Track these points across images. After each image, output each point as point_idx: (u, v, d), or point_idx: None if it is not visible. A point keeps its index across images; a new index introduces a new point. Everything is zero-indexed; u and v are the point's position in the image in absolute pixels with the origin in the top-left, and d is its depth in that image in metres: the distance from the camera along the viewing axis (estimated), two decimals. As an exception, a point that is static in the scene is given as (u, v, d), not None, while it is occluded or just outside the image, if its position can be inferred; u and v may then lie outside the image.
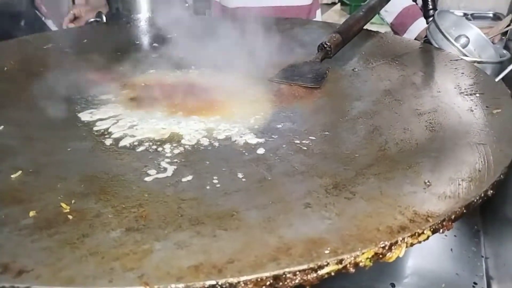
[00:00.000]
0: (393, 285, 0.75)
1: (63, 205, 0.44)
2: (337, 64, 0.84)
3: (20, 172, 0.51)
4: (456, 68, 0.76)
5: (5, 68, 0.82)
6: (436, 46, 0.92)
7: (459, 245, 0.81)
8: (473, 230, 0.84)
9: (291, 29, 1.02)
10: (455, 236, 0.83)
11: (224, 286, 0.33)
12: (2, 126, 0.62)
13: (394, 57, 0.84)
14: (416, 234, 0.37)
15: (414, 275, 0.77)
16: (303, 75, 0.77)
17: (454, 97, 0.66)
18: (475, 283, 0.74)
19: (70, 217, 0.42)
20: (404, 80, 0.75)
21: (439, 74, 0.77)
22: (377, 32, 1.00)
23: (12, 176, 0.50)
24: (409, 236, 0.37)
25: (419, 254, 0.79)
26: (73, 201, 0.45)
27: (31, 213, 0.43)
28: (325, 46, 0.83)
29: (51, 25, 1.68)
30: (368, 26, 0.97)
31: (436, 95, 0.68)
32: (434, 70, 0.80)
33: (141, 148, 0.57)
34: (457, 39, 0.92)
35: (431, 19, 0.98)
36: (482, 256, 0.79)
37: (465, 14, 1.70)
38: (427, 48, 0.89)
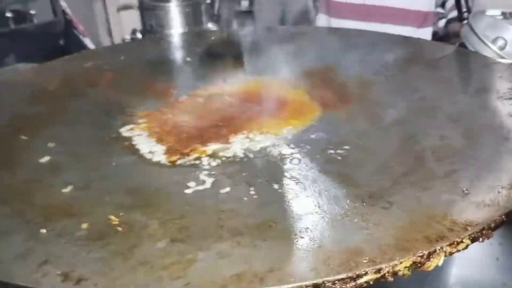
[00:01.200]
0: (436, 293, 0.74)
1: (112, 217, 0.47)
2: (369, 70, 0.84)
3: (71, 186, 0.55)
4: (493, 72, 0.75)
5: (50, 88, 0.87)
6: (472, 49, 0.90)
7: (505, 253, 0.79)
8: (521, 239, 0.81)
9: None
10: (500, 244, 0.80)
11: (265, 294, 0.34)
12: (52, 144, 0.67)
13: (428, 62, 0.83)
14: (455, 243, 0.37)
15: (458, 285, 0.75)
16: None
17: (492, 102, 0.65)
18: (522, 292, 0.72)
19: (119, 229, 0.45)
20: (439, 86, 0.74)
21: (475, 78, 0.75)
22: (411, 37, 1.00)
23: (63, 190, 0.54)
24: (447, 245, 0.37)
25: (464, 263, 0.77)
26: (121, 214, 0.48)
27: (84, 226, 0.46)
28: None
29: (89, 43, 1.77)
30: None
31: (473, 101, 0.67)
32: (470, 74, 0.78)
33: (180, 162, 0.60)
34: (494, 41, 0.90)
35: (465, 21, 0.96)
36: (530, 265, 0.76)
37: (503, 13, 1.65)
38: (463, 52, 0.88)
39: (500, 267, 0.77)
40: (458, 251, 0.37)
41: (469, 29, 0.93)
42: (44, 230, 0.45)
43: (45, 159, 0.62)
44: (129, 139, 0.68)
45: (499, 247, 0.79)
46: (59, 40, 1.68)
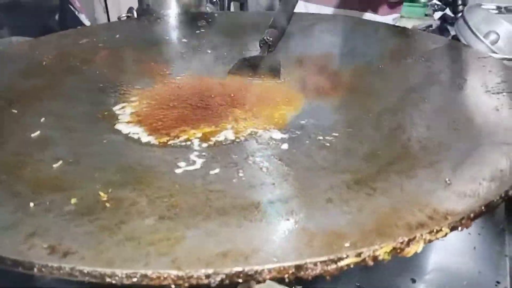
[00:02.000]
0: (413, 280, 0.76)
1: (101, 193, 0.48)
2: (362, 60, 0.85)
3: (60, 162, 0.55)
4: (484, 66, 0.76)
5: (44, 63, 0.87)
6: (465, 42, 0.91)
7: (483, 243, 0.81)
8: (498, 229, 0.84)
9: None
10: (479, 234, 0.83)
11: (250, 273, 0.35)
12: (43, 118, 0.67)
13: (421, 54, 0.84)
14: (435, 231, 0.38)
15: (435, 272, 0.77)
16: (259, 68, 0.83)
17: (480, 96, 0.66)
18: (498, 282, 0.74)
19: (107, 205, 0.46)
20: (430, 78, 0.75)
21: (466, 71, 0.76)
22: (404, 28, 1.00)
23: (53, 165, 0.54)
24: (427, 233, 0.38)
25: (442, 250, 0.79)
26: (110, 190, 0.48)
27: (73, 200, 0.46)
28: (267, 41, 0.89)
29: (84, 19, 1.74)
30: (398, 21, 0.97)
31: (461, 93, 0.68)
32: (461, 67, 0.79)
33: (171, 142, 0.60)
34: (486, 35, 0.91)
35: (459, 14, 0.96)
36: (506, 255, 0.78)
37: (498, 8, 1.65)
38: (455, 45, 0.88)
39: (477, 256, 0.79)
40: (437, 238, 0.39)
41: (462, 22, 0.93)
42: (32, 204, 0.46)
43: (36, 133, 0.62)
44: (118, 116, 0.68)
45: (477, 237, 0.82)
46: (54, 15, 1.66)
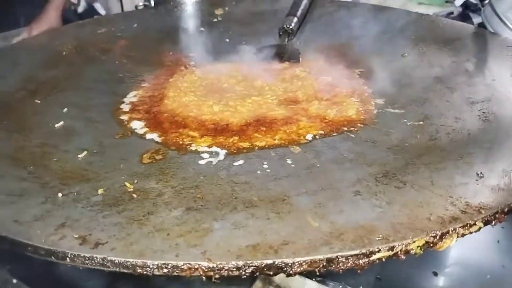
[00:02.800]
0: (435, 273, 0.75)
1: (127, 184, 0.48)
2: (386, 49, 0.83)
3: (85, 152, 0.55)
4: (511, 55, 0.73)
5: (64, 53, 0.87)
6: (492, 31, 0.88)
7: (506, 236, 0.79)
8: (522, 222, 0.82)
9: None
10: (502, 227, 0.81)
11: (280, 266, 0.35)
12: (66, 109, 0.67)
13: (446, 42, 0.82)
14: (468, 225, 0.38)
15: (457, 265, 0.76)
16: (281, 55, 0.83)
17: (509, 86, 0.64)
18: (522, 276, 0.73)
19: (134, 195, 0.46)
20: (456, 67, 0.73)
21: (494, 60, 0.74)
22: (428, 15, 0.97)
23: (79, 156, 0.55)
24: (460, 227, 0.38)
25: (464, 244, 0.77)
26: (135, 181, 0.49)
27: (100, 191, 0.47)
28: (286, 29, 0.88)
29: (99, 8, 1.74)
30: (417, 8, 0.95)
31: (490, 83, 0.66)
32: (488, 56, 0.77)
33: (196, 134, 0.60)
34: (514, 23, 0.88)
35: (486, 1, 0.93)
36: (530, 249, 0.77)
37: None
38: (482, 33, 0.86)
39: (500, 250, 0.78)
40: (471, 233, 0.38)
41: (490, 9, 0.90)
42: (60, 194, 0.46)
43: (60, 124, 0.63)
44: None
45: (500, 230, 0.80)
46: (69, 4, 1.66)
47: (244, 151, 0.55)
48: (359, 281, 0.70)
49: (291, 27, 0.88)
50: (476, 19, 1.18)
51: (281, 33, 0.89)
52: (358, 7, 1.03)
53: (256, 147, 0.55)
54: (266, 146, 0.56)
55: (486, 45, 0.81)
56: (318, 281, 0.67)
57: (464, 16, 1.36)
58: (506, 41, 0.79)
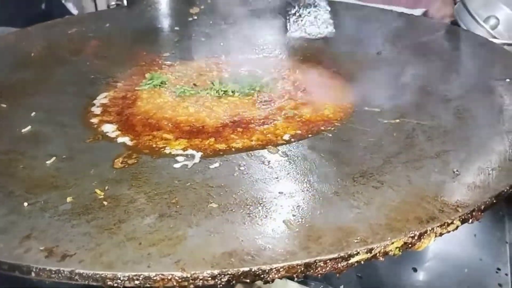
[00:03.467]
0: (414, 269, 0.75)
1: (98, 191, 0.46)
2: (360, 47, 0.83)
3: (54, 158, 0.53)
4: (485, 52, 0.74)
5: (32, 54, 0.84)
6: (464, 28, 0.89)
7: (483, 230, 0.81)
8: (498, 216, 0.83)
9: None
10: (479, 221, 0.82)
11: (257, 273, 0.34)
12: (34, 113, 0.64)
13: (420, 39, 0.82)
14: (446, 224, 0.37)
15: (436, 260, 0.77)
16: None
17: (483, 83, 0.65)
18: (498, 269, 0.74)
19: (105, 203, 0.44)
20: (431, 64, 0.73)
21: (467, 58, 0.75)
22: (403, 13, 0.98)
23: (47, 162, 0.52)
24: (438, 226, 0.37)
25: (442, 238, 0.78)
26: (106, 188, 0.47)
27: (69, 199, 0.45)
28: None
29: (71, 8, 1.69)
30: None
31: (464, 81, 0.66)
32: (462, 53, 0.78)
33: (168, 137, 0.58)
34: (486, 20, 0.89)
35: (459, -1, 0.95)
36: (507, 242, 0.78)
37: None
38: (455, 30, 0.87)
39: (477, 243, 0.79)
40: (448, 232, 0.38)
41: (462, 7, 0.91)
42: (26, 204, 0.44)
43: (27, 128, 0.60)
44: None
45: (477, 224, 0.81)
46: (40, 4, 1.61)
47: (221, 153, 0.54)
48: (340, 280, 0.70)
49: None
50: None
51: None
52: (334, 5, 1.03)
53: (233, 149, 0.54)
54: (243, 147, 0.55)
55: (459, 42, 0.82)
56: (300, 282, 0.67)
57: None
58: (477, 38, 0.80)
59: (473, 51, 0.76)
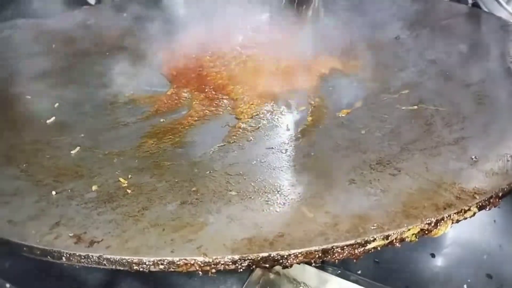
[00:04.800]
0: (433, 255, 0.76)
1: (121, 179, 0.48)
2: (378, 31, 0.81)
3: (78, 148, 0.55)
4: (507, 35, 0.73)
5: (53, 45, 0.86)
6: (486, 10, 0.87)
7: (503, 216, 0.79)
8: (518, 202, 0.82)
9: None
10: (498, 207, 0.81)
11: (276, 258, 0.35)
12: (57, 104, 0.66)
13: (439, 23, 0.81)
14: (462, 211, 0.38)
15: (454, 246, 0.77)
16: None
17: (504, 67, 0.63)
18: (518, 255, 0.73)
19: (129, 191, 0.46)
20: (450, 49, 0.72)
21: (488, 41, 0.73)
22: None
23: (71, 152, 0.54)
24: (455, 213, 0.38)
25: (461, 225, 0.77)
26: (129, 176, 0.48)
27: (94, 187, 0.46)
28: None
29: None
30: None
31: (484, 65, 0.65)
32: (483, 37, 0.76)
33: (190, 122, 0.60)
34: (508, 1, 0.87)
35: (480, -20, 0.92)
36: (527, 228, 0.77)
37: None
38: (476, 13, 0.85)
39: (497, 229, 0.78)
40: (465, 218, 0.38)
41: (483, -11, 0.89)
42: (54, 192, 0.46)
43: (51, 120, 0.62)
44: (133, 101, 0.67)
45: (497, 210, 0.80)
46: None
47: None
48: (357, 265, 0.71)
49: None
50: (471, -1, 1.16)
51: None
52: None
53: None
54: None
55: (480, 25, 0.80)
56: (317, 267, 0.68)
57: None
58: (499, 21, 0.78)
59: (495, 34, 0.74)
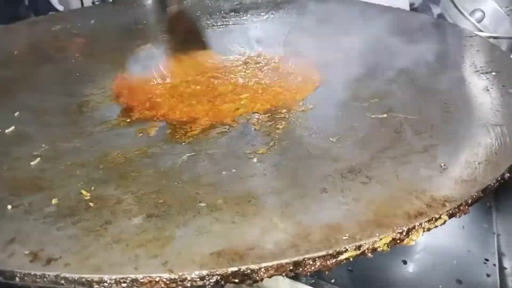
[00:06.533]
0: (404, 262, 0.76)
1: (84, 192, 0.45)
2: (347, 40, 0.82)
3: (38, 159, 0.52)
4: (471, 45, 0.75)
5: (15, 52, 0.82)
6: (451, 21, 0.89)
7: (471, 222, 0.81)
8: (485, 207, 0.84)
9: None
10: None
11: (246, 273, 0.34)
12: (17, 112, 0.63)
13: (407, 33, 0.82)
14: (433, 219, 0.38)
15: (425, 252, 0.78)
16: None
17: (469, 76, 0.65)
18: (486, 260, 0.75)
19: (91, 204, 0.43)
20: (418, 58, 0.73)
21: (453, 51, 0.75)
22: (389, 7, 0.98)
23: (31, 163, 0.51)
24: (426, 221, 0.37)
25: (431, 231, 0.79)
26: (93, 188, 0.46)
27: (54, 201, 0.44)
28: None
29: (56, 4, 1.66)
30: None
31: (450, 74, 0.67)
32: (448, 47, 0.78)
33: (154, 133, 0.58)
34: (472, 13, 0.90)
35: (445, -8, 0.95)
36: (494, 233, 0.79)
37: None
38: (441, 24, 0.87)
39: (466, 235, 0.80)
40: (436, 226, 0.38)
41: (448, 0, 0.92)
42: (10, 206, 0.43)
43: (10, 129, 0.59)
44: (97, 107, 0.65)
45: (465, 216, 0.82)
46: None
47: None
48: (331, 274, 0.71)
49: None
50: (436, 10, 1.20)
51: None
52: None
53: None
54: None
55: (446, 36, 0.82)
56: (291, 277, 0.67)
57: (425, 7, 1.39)
58: (464, 32, 0.81)
59: (459, 44, 0.77)
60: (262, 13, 0.97)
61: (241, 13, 0.98)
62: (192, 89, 0.69)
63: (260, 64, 0.77)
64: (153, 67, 0.75)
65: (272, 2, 1.01)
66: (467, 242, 0.79)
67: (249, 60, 0.79)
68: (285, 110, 0.62)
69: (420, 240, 0.77)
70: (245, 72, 0.74)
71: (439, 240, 0.79)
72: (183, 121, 0.60)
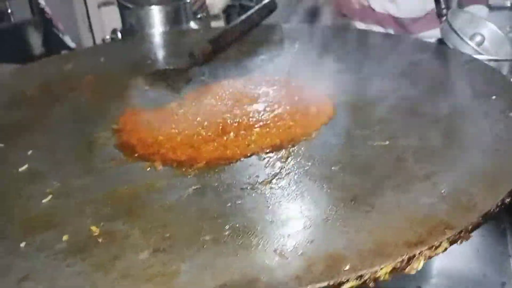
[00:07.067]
0: (419, 287, 0.75)
1: (93, 228, 0.47)
2: (348, 68, 0.84)
3: (50, 196, 0.54)
4: (471, 70, 0.76)
5: (28, 93, 0.86)
6: (451, 46, 0.91)
7: (485, 245, 0.80)
8: (500, 230, 0.83)
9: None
10: (482, 236, 0.82)
11: (249, 305, 0.34)
12: (30, 151, 0.65)
13: (408, 59, 0.84)
14: (434, 247, 0.38)
15: (440, 277, 0.76)
16: (168, 81, 0.84)
17: (469, 101, 0.66)
18: (503, 283, 0.73)
19: (100, 240, 0.45)
20: (418, 85, 0.74)
21: (454, 76, 0.76)
22: (389, 34, 1.00)
23: (43, 200, 0.53)
24: (427, 249, 0.38)
25: (446, 255, 0.77)
26: (102, 224, 0.47)
27: (64, 237, 0.45)
28: (194, 55, 0.88)
29: (68, 41, 1.73)
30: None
31: (451, 100, 0.67)
32: (449, 72, 0.79)
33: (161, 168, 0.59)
34: (471, 37, 0.91)
35: (444, 18, 0.97)
36: (510, 256, 0.78)
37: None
38: (442, 49, 0.89)
39: (481, 259, 0.78)
40: (437, 254, 0.38)
41: (447, 26, 0.93)
42: (23, 244, 0.45)
43: (24, 167, 0.61)
44: (106, 144, 0.67)
45: (480, 239, 0.81)
46: (38, 39, 1.65)
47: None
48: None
49: (198, 53, 0.88)
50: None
51: (189, 57, 0.89)
52: (318, 29, 1.05)
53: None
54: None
55: (446, 61, 0.83)
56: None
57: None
58: (464, 56, 0.82)
59: (459, 69, 0.78)
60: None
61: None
62: (200, 125, 0.70)
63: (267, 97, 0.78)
64: (161, 103, 0.77)
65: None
66: (483, 266, 0.77)
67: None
68: (291, 142, 0.63)
69: (435, 264, 0.77)
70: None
71: (455, 265, 0.78)
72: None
